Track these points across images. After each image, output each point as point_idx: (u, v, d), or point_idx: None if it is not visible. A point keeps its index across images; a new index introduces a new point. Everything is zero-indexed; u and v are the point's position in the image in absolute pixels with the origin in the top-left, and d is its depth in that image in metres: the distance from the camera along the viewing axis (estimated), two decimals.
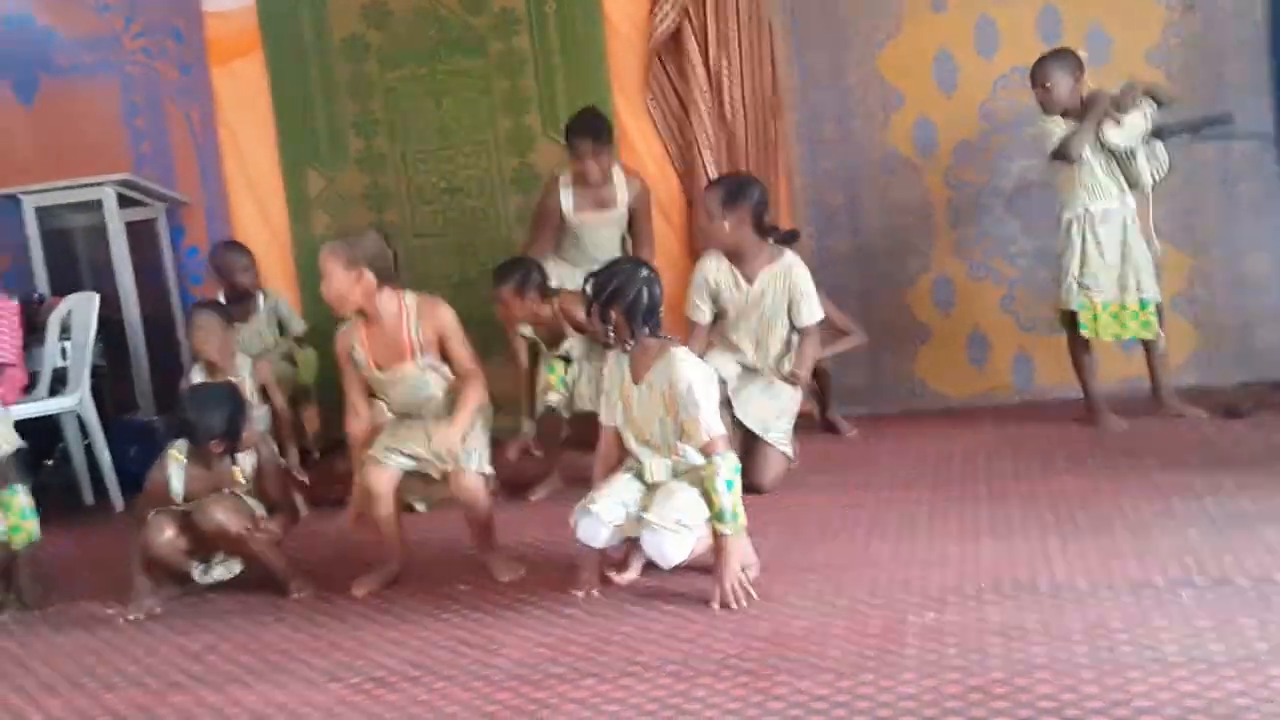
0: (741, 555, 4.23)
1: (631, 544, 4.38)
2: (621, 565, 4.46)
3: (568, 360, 5.90)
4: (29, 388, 6.69)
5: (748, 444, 5.58)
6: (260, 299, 7.07)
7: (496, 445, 4.92)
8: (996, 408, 6.82)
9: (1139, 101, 5.91)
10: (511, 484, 5.97)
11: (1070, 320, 6.12)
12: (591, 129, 6.33)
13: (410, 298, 4.70)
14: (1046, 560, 4.13)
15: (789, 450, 5.69)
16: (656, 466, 4.31)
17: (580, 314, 5.64)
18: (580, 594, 4.32)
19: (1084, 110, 5.95)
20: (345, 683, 3.76)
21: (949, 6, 6.86)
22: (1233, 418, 5.98)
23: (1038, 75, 6.01)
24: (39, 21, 8.03)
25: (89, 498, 7.02)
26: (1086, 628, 3.48)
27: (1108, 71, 6.30)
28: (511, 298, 5.84)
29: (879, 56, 6.98)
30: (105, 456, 6.75)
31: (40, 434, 7.03)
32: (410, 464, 4.75)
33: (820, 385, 6.58)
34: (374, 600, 4.61)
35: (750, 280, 5.62)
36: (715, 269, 5.70)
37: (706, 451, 4.15)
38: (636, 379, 4.33)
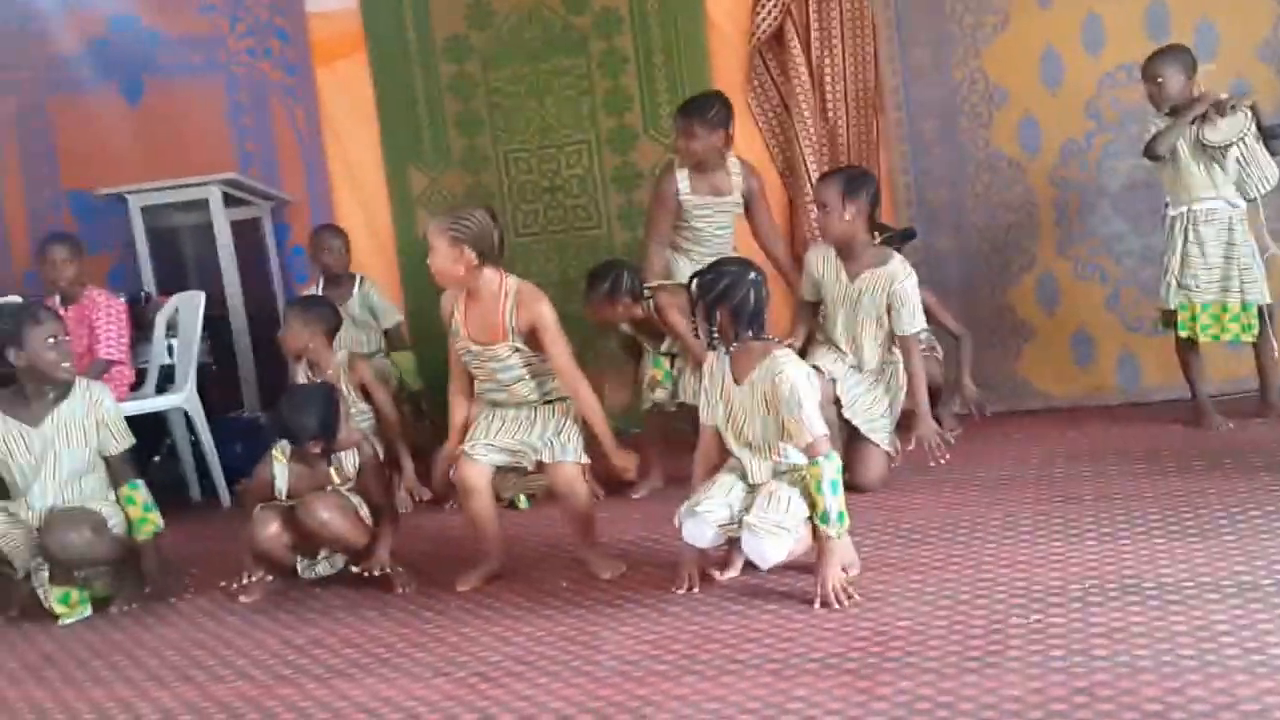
0: (843, 555, 4.23)
1: (733, 542, 4.38)
2: (723, 563, 4.46)
3: (673, 356, 5.91)
4: (136, 385, 6.81)
5: (851, 441, 5.56)
6: (355, 284, 7.08)
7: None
8: (1101, 407, 6.77)
9: (1241, 108, 5.81)
10: (613, 482, 6.00)
11: (1172, 320, 6.05)
12: (697, 107, 6.20)
13: (513, 282, 4.68)
14: (1153, 561, 4.07)
15: (891, 448, 5.66)
16: (758, 467, 4.30)
17: (673, 315, 5.66)
18: (681, 590, 4.32)
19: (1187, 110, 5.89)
20: (450, 677, 3.78)
21: (1055, 3, 6.80)
22: None
23: (1149, 70, 5.94)
24: (144, 23, 8.15)
25: (196, 494, 7.15)
26: (1192, 630, 3.42)
27: (1217, 67, 6.21)
28: (604, 304, 5.87)
29: (984, 53, 6.93)
30: (212, 453, 6.87)
31: (148, 431, 7.15)
32: (504, 458, 4.76)
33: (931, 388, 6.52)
34: (477, 596, 4.64)
35: (852, 277, 5.59)
36: (820, 259, 5.67)
37: (809, 453, 4.13)
38: (738, 380, 4.31)
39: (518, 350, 4.65)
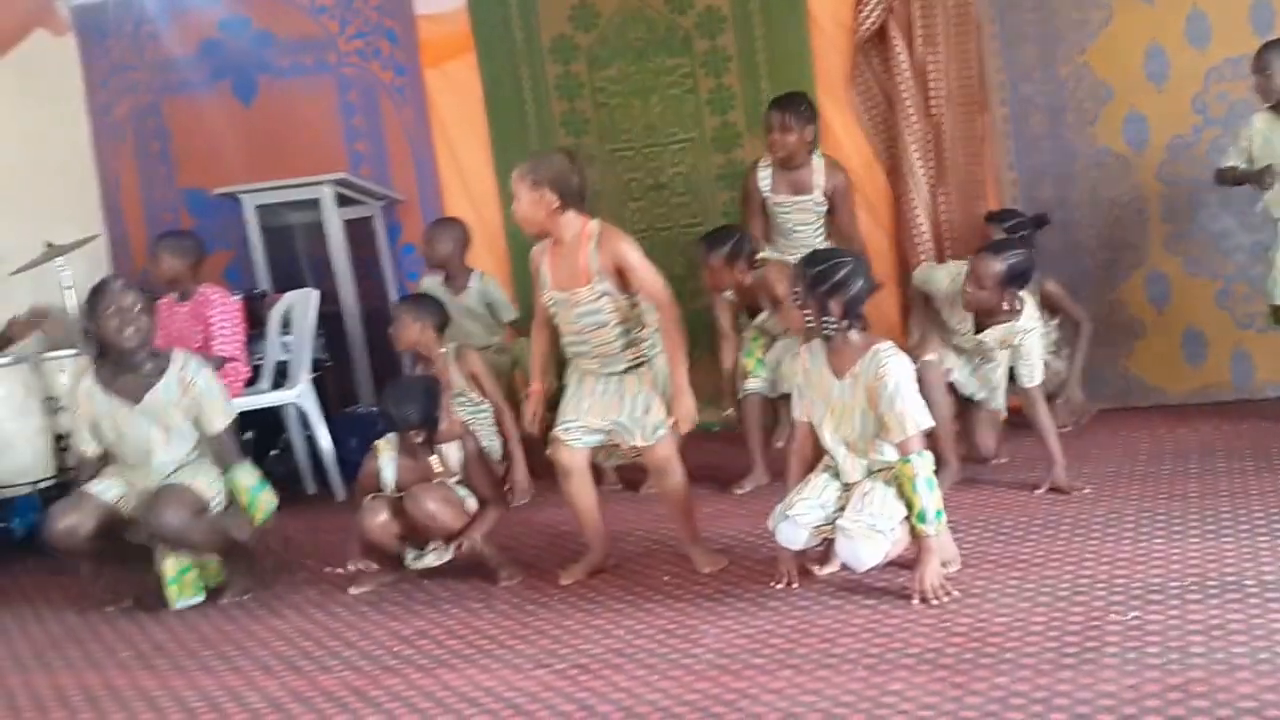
0: (943, 552, 4.24)
1: (829, 541, 4.42)
2: (822, 558, 4.48)
3: (770, 338, 5.94)
4: (252, 381, 6.96)
5: (965, 413, 5.66)
6: (472, 278, 7.08)
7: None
8: (1213, 404, 6.70)
9: None
10: (718, 478, 6.05)
11: None
12: (789, 101, 6.38)
13: (595, 224, 4.64)
14: (1255, 558, 4.04)
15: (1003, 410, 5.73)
16: (852, 466, 4.31)
17: (781, 288, 5.65)
18: (779, 586, 4.36)
19: None
20: (551, 669, 3.85)
21: None
22: None
23: (1259, 61, 5.88)
24: (256, 24, 8.31)
25: (311, 488, 7.28)
26: None
27: None
28: (721, 266, 5.90)
29: (1089, 49, 6.88)
30: (327, 447, 6.99)
31: (264, 427, 7.33)
32: (598, 439, 4.78)
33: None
34: (580, 589, 4.71)
35: (978, 331, 5.51)
36: (949, 281, 5.59)
37: (902, 450, 4.15)
38: (839, 374, 4.31)
39: (605, 295, 4.60)
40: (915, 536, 4.15)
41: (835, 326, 4.22)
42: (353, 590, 5.02)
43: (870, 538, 4.09)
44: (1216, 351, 6.85)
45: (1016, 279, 5.25)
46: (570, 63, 7.77)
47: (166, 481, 5.08)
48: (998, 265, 5.21)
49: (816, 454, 4.48)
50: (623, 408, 4.69)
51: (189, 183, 8.38)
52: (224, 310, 6.62)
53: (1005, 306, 5.27)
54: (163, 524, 4.94)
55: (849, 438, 4.31)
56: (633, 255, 4.57)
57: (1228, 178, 6.07)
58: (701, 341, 6.52)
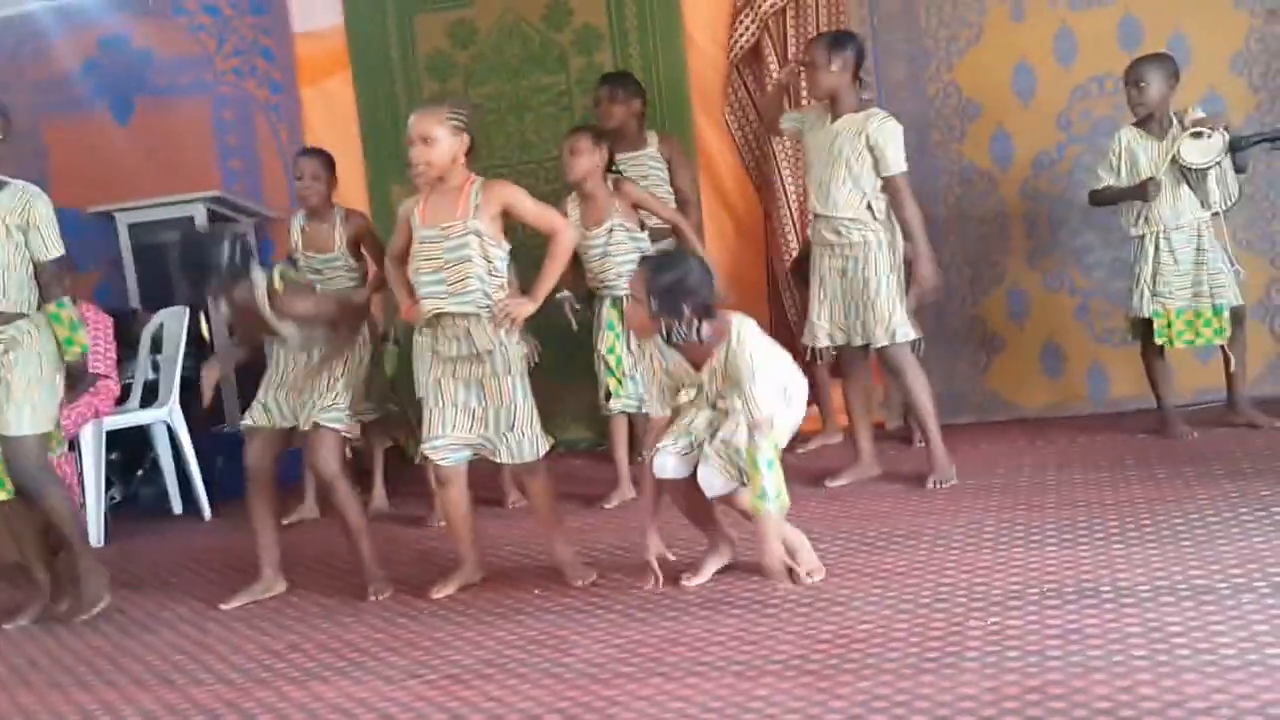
0: (783, 535, 4.33)
1: (708, 551, 4.50)
2: (693, 569, 4.55)
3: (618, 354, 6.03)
4: (121, 400, 6.89)
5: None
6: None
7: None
8: (1071, 418, 6.84)
9: (1218, 131, 5.91)
10: (584, 497, 6.12)
11: (1144, 329, 6.14)
12: (610, 78, 6.73)
13: (479, 177, 4.71)
14: (1110, 566, 4.15)
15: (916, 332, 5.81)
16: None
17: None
18: (648, 587, 4.43)
19: (1160, 121, 6.02)
20: (422, 679, 3.86)
21: (1028, 16, 6.89)
22: None
23: (1134, 73, 5.99)
24: (135, 43, 8.26)
25: (178, 507, 7.20)
26: (1145, 631, 3.51)
27: (1189, 78, 6.29)
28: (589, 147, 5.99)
29: (957, 67, 7.03)
30: (194, 467, 6.92)
31: (132, 445, 7.25)
32: (470, 454, 4.79)
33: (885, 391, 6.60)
34: (450, 602, 4.72)
35: (833, 120, 5.73)
36: (799, 117, 5.94)
37: (751, 428, 4.19)
38: (698, 366, 4.38)
39: (474, 234, 4.60)
40: (754, 515, 4.23)
41: (687, 333, 4.27)
42: (223, 606, 5.01)
43: (727, 472, 4.24)
44: (1074, 366, 7.01)
45: (842, 44, 5.70)
46: (447, 79, 7.79)
47: None
48: (822, 38, 5.85)
49: None
50: (487, 420, 4.70)
51: (65, 202, 8.13)
52: (96, 329, 6.56)
53: (834, 68, 5.66)
54: None
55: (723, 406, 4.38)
56: (519, 193, 4.69)
57: (1104, 198, 6.19)
58: (578, 360, 6.54)
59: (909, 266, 5.73)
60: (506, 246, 4.70)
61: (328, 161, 6.11)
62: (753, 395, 4.19)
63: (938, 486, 5.59)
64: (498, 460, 4.76)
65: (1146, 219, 6.05)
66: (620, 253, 5.87)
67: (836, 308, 5.79)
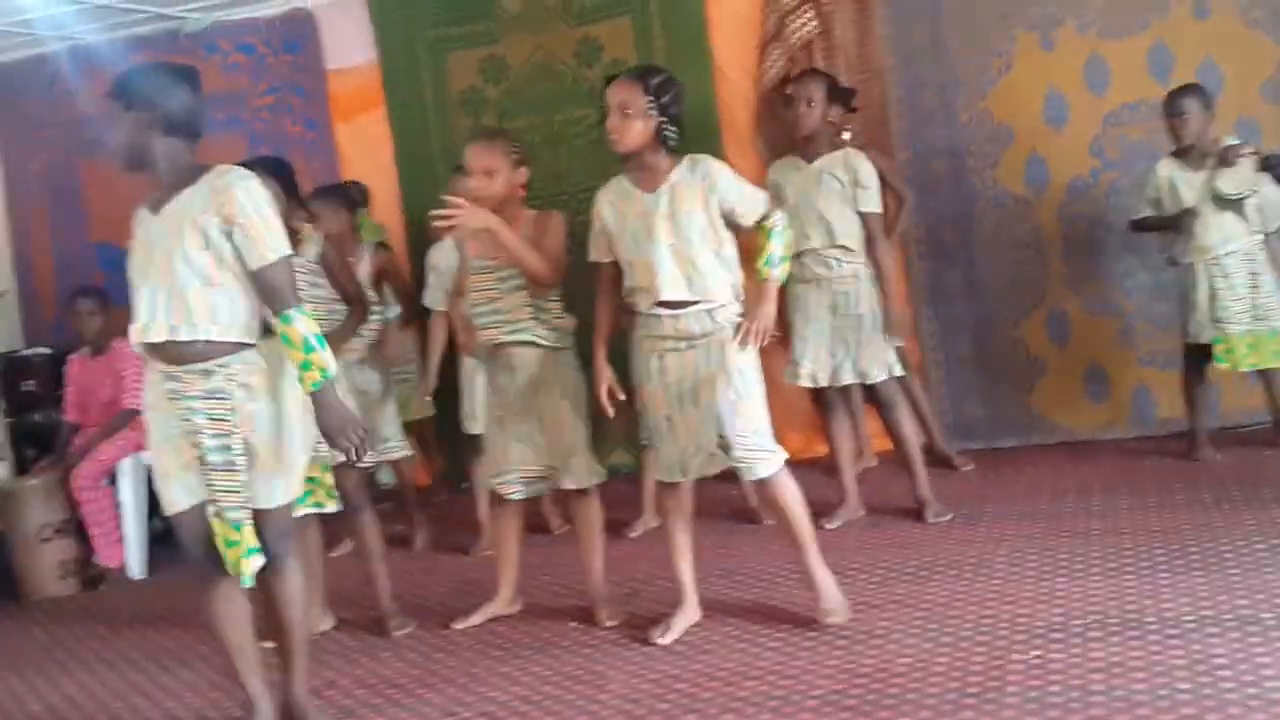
0: (814, 574, 4.31)
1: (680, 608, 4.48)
2: (664, 627, 4.44)
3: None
4: None
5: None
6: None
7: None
8: (1115, 442, 6.76)
9: (1247, 156, 5.87)
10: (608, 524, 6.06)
11: (1201, 354, 6.10)
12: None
13: (531, 211, 4.76)
14: (1155, 596, 4.10)
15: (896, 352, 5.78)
16: (674, 284, 4.27)
17: None
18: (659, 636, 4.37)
19: (1201, 152, 5.98)
20: (458, 716, 3.87)
21: (1058, 45, 6.84)
22: None
23: (1175, 105, 5.96)
24: None
25: None
26: (1190, 664, 3.47)
27: (1221, 106, 6.23)
28: None
29: (989, 95, 6.98)
30: None
31: None
32: (538, 489, 4.83)
33: (921, 417, 6.53)
34: (488, 636, 4.71)
35: (810, 162, 5.75)
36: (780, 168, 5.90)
37: (766, 212, 4.30)
38: (649, 189, 4.34)
39: None
40: (758, 279, 4.30)
41: (675, 135, 4.30)
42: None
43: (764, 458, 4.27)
44: (1118, 388, 6.92)
45: (837, 95, 6.00)
46: (480, 115, 7.80)
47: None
48: (818, 81, 5.86)
49: (619, 299, 4.53)
50: (549, 445, 4.68)
51: (102, 237, 8.32)
52: (137, 364, 6.58)
53: (831, 118, 5.87)
54: None
55: (677, 245, 4.28)
56: (557, 225, 4.69)
57: (1144, 226, 6.18)
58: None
59: None
60: None
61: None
62: (749, 191, 4.32)
63: (937, 520, 5.55)
64: (563, 487, 4.74)
65: (1194, 246, 6.00)
66: None
67: (822, 346, 5.71)
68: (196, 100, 3.90)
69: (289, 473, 3.69)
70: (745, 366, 4.25)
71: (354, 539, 5.30)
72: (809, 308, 5.69)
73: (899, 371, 5.71)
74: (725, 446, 4.22)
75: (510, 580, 4.93)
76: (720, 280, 4.28)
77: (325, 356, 3.59)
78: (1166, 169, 6.08)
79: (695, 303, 4.25)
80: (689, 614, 4.47)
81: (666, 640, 4.33)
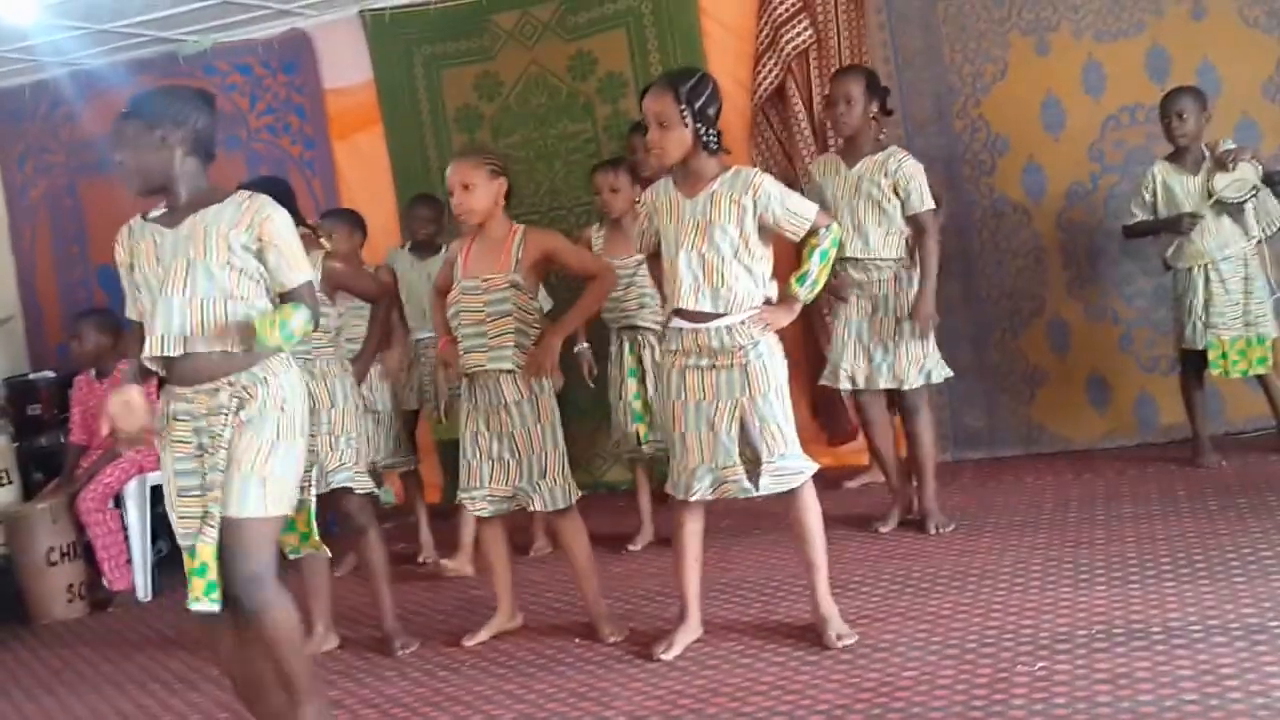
0: (822, 603, 4.29)
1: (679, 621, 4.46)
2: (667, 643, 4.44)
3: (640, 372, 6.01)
4: None
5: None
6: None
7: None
8: (1118, 449, 6.74)
9: (1245, 160, 5.88)
10: (609, 539, 6.04)
11: (1187, 359, 6.09)
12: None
13: (521, 225, 4.79)
14: (1161, 605, 4.09)
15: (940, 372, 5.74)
16: (697, 293, 4.26)
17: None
18: (662, 651, 4.36)
19: (1195, 156, 5.99)
20: None
21: (1054, 51, 6.83)
22: None
23: (1174, 105, 5.96)
24: None
25: None
26: (1197, 674, 3.46)
27: (1221, 107, 6.25)
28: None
29: (984, 103, 6.97)
30: None
31: None
32: (507, 506, 4.78)
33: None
34: (491, 653, 4.70)
35: (850, 166, 5.70)
36: (823, 166, 5.85)
37: (815, 226, 4.25)
38: (691, 194, 4.31)
39: (514, 286, 4.64)
40: (787, 291, 4.30)
41: (715, 137, 4.28)
42: None
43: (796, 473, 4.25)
44: (1121, 396, 6.89)
45: (876, 88, 5.75)
46: (475, 131, 7.82)
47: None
48: (858, 77, 5.76)
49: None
50: (521, 471, 4.68)
51: (103, 259, 8.31)
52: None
53: (872, 113, 5.73)
54: None
55: (707, 255, 4.25)
56: (559, 241, 4.82)
57: (1138, 231, 6.17)
58: (601, 407, 6.45)
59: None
60: (544, 305, 4.79)
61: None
62: (798, 205, 4.28)
63: (939, 531, 5.53)
64: (532, 509, 4.74)
65: (1191, 251, 6.00)
66: (645, 284, 5.79)
67: (860, 350, 5.70)
68: (214, 122, 3.88)
69: (266, 483, 3.56)
70: (769, 389, 4.23)
71: (358, 557, 5.31)
72: (848, 310, 5.69)
73: (938, 378, 5.69)
74: (753, 474, 4.23)
75: (507, 593, 4.92)
76: (748, 296, 4.26)
77: (281, 336, 3.54)
78: (1161, 171, 6.07)
79: (718, 316, 4.24)
80: (692, 629, 4.45)
81: (669, 656, 4.32)
